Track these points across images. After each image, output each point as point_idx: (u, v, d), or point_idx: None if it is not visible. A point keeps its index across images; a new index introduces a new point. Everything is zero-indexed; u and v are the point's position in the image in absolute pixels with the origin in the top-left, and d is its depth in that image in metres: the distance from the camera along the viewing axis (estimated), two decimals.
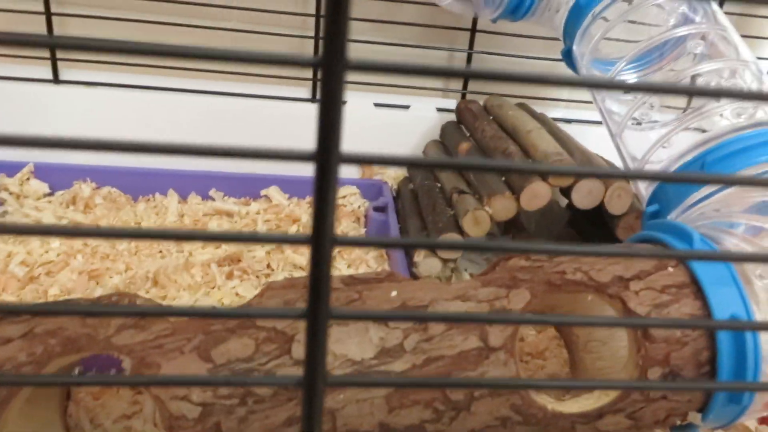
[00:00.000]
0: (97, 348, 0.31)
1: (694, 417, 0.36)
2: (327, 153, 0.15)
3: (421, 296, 0.33)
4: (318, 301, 0.17)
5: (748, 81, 0.48)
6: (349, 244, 0.16)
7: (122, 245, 0.58)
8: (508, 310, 0.33)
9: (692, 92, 0.20)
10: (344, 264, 0.59)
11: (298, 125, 0.70)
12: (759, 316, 0.34)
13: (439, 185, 0.61)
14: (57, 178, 0.66)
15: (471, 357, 0.32)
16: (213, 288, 0.54)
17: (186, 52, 0.14)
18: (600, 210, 0.55)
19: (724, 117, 0.44)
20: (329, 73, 0.14)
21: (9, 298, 0.49)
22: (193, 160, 0.71)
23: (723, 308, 0.34)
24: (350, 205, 0.68)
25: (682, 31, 0.50)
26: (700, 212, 0.44)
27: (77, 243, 0.57)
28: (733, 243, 0.38)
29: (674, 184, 0.45)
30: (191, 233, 0.16)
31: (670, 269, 0.36)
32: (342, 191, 0.70)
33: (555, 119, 0.72)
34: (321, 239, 0.16)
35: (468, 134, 0.65)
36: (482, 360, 0.32)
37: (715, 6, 0.51)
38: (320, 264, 0.16)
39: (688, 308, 0.34)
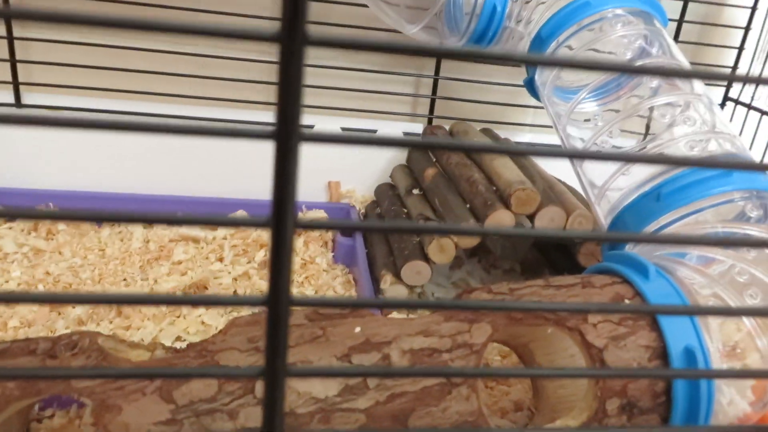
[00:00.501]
0: (57, 390, 0.31)
1: None
2: (282, 219, 0.15)
3: (385, 332, 0.34)
4: (275, 361, 0.17)
5: (701, 112, 0.50)
6: (306, 304, 0.17)
7: (85, 273, 0.57)
8: (471, 344, 0.34)
9: (670, 161, 0.21)
10: (311, 290, 0.60)
11: (265, 149, 0.70)
12: (711, 345, 0.36)
13: (405, 211, 0.61)
14: (18, 203, 0.65)
15: (434, 392, 0.33)
16: (178, 317, 0.54)
17: (152, 127, 0.14)
18: None
19: (678, 149, 0.46)
20: (283, 146, 0.14)
21: None
22: (157, 184, 0.71)
23: (677, 339, 0.35)
24: (318, 229, 0.68)
25: (638, 64, 0.51)
26: None
27: (39, 272, 0.56)
28: (685, 273, 0.39)
29: (630, 213, 0.46)
30: (145, 297, 0.16)
31: (627, 302, 0.37)
32: (310, 215, 0.70)
33: (519, 144, 0.74)
34: (278, 301, 0.16)
35: (434, 159, 0.66)
36: (445, 395, 0.33)
37: (670, 40, 0.53)
38: (277, 325, 0.16)
39: (644, 340, 0.35)
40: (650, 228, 0.45)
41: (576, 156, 0.17)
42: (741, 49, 0.74)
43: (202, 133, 0.15)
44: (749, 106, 0.72)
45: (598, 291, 0.38)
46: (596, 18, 0.54)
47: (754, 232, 0.42)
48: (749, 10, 0.72)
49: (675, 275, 0.39)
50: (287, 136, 0.14)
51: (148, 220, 0.16)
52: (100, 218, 0.16)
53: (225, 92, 0.71)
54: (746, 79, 0.17)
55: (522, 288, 0.38)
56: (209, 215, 0.16)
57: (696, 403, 0.35)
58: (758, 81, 0.18)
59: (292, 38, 0.14)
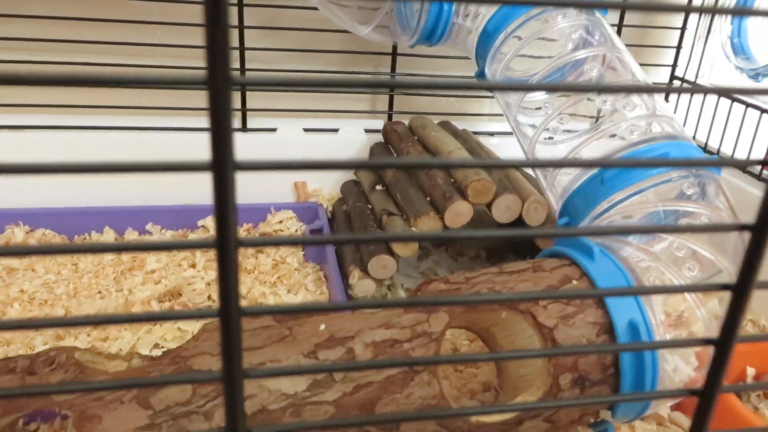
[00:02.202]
0: (38, 405, 0.32)
1: (605, 414, 0.40)
2: (225, 240, 0.17)
3: (349, 327, 0.36)
4: (232, 366, 0.19)
5: (643, 97, 0.52)
6: (255, 314, 0.19)
7: (60, 289, 0.58)
8: (429, 333, 0.36)
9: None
10: (284, 290, 0.61)
11: None
12: (653, 318, 0.38)
13: (370, 207, 0.63)
14: None
15: (397, 380, 0.35)
16: (155, 325, 0.55)
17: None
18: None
19: (619, 135, 0.49)
20: (220, 176, 0.16)
21: None
22: (126, 196, 0.71)
23: (622, 315, 0.38)
24: (287, 230, 0.70)
25: (581, 53, 0.54)
26: (609, 220, 0.48)
27: (13, 291, 0.57)
28: (629, 251, 0.42)
29: (579, 197, 0.49)
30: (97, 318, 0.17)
31: (574, 282, 0.39)
32: (279, 216, 0.72)
33: (478, 133, 0.76)
34: (228, 312, 0.18)
35: (395, 155, 0.68)
36: (408, 382, 0.35)
37: (610, 29, 0.55)
38: (230, 334, 0.18)
39: (591, 317, 0.38)
40: (597, 209, 0.48)
41: (519, 165, 0.19)
42: (683, 29, 0.77)
43: (142, 170, 0.16)
44: (694, 85, 0.75)
45: (548, 274, 0.40)
46: (539, 11, 0.56)
47: (692, 208, 0.45)
48: None
49: (618, 254, 0.41)
50: (223, 168, 0.16)
51: (93, 250, 0.18)
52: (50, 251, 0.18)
53: (180, 101, 0.72)
54: (680, 90, 0.19)
55: (477, 276, 0.40)
56: (158, 241, 0.17)
57: (642, 373, 0.37)
58: (693, 90, 0.20)
59: (217, 82, 0.16)
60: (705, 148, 0.72)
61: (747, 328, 0.62)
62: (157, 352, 0.52)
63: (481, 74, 0.62)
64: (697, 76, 0.75)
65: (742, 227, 0.21)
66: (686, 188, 0.45)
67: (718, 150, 0.70)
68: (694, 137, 0.75)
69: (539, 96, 0.60)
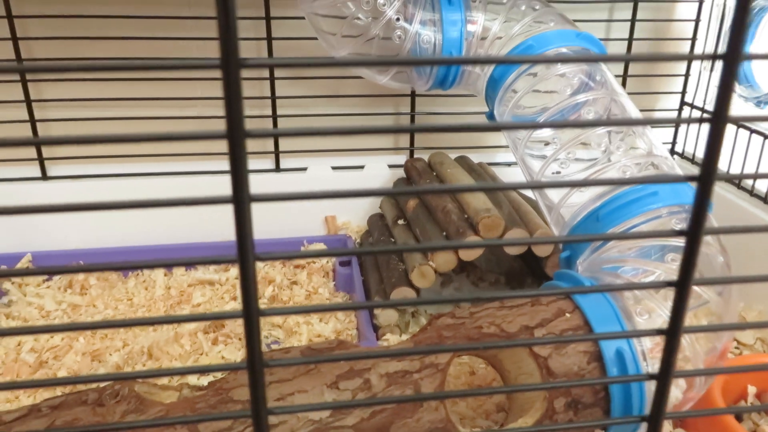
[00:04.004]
0: None
1: None
2: (245, 254, 0.23)
3: (365, 360, 0.41)
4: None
5: (641, 137, 0.57)
6: (273, 314, 0.24)
7: None
8: (436, 364, 0.41)
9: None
10: (317, 318, 0.67)
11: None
12: (639, 346, 0.42)
13: (393, 240, 0.69)
14: (53, 264, 0.74)
15: (408, 406, 0.40)
16: (201, 354, 0.61)
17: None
18: None
19: (616, 172, 0.53)
20: (239, 208, 0.22)
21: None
22: (175, 235, 0.79)
23: (610, 344, 0.42)
24: (319, 262, 0.76)
25: (580, 97, 0.58)
26: (606, 254, 0.53)
27: None
28: (619, 285, 0.46)
29: (578, 232, 0.53)
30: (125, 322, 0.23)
31: (567, 315, 0.44)
32: (311, 248, 0.78)
33: (495, 164, 0.81)
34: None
35: None
36: (417, 408, 0.40)
37: (609, 74, 0.60)
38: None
39: (582, 346, 0.42)
40: (595, 243, 0.52)
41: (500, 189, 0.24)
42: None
43: (168, 205, 0.22)
44: (703, 110, 0.79)
45: (544, 308, 0.45)
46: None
47: (682, 243, 0.49)
48: (693, 23, 0.79)
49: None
50: (240, 200, 0.22)
51: (127, 268, 0.24)
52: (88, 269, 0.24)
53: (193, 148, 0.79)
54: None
55: (480, 311, 0.45)
56: (186, 257, 0.23)
57: (629, 395, 0.42)
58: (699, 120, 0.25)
59: (233, 135, 0.21)
60: None
61: (756, 346, 0.65)
62: (204, 381, 0.58)
63: (491, 115, 0.67)
64: (705, 103, 0.78)
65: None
66: (675, 224, 0.49)
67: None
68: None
69: (546, 133, 0.65)
